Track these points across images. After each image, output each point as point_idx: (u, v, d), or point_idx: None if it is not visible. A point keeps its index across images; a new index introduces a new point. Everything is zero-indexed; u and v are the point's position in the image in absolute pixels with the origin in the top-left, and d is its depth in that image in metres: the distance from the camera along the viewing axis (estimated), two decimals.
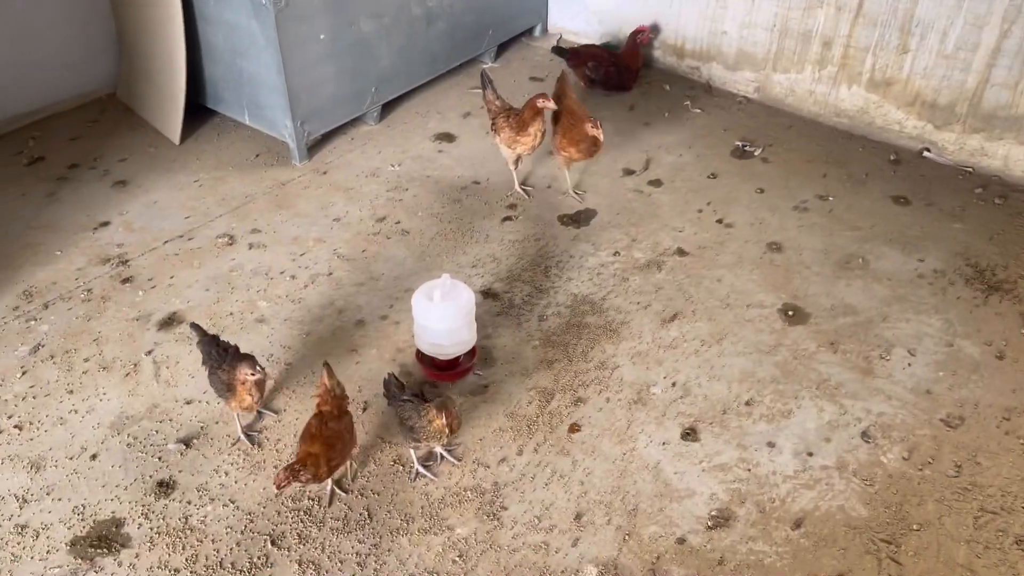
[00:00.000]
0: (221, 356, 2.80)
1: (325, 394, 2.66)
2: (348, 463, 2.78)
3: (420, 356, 3.19)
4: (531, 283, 3.63)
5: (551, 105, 3.79)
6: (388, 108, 4.80)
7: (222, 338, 2.92)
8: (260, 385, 2.76)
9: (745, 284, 3.62)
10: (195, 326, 2.95)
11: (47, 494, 2.76)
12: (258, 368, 2.68)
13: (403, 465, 2.85)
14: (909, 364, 3.22)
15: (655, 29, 5.14)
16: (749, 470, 2.84)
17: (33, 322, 3.42)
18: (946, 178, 4.27)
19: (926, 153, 4.43)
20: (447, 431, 2.65)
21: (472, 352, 3.19)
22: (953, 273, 3.65)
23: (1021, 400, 3.06)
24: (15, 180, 4.24)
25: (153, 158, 4.42)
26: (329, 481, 2.72)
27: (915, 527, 2.65)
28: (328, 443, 2.55)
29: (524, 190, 4.18)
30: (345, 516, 2.69)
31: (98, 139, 4.56)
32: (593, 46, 5.09)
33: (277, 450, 2.90)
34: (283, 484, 2.43)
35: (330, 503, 2.72)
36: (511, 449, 2.91)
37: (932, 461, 2.86)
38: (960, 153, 4.33)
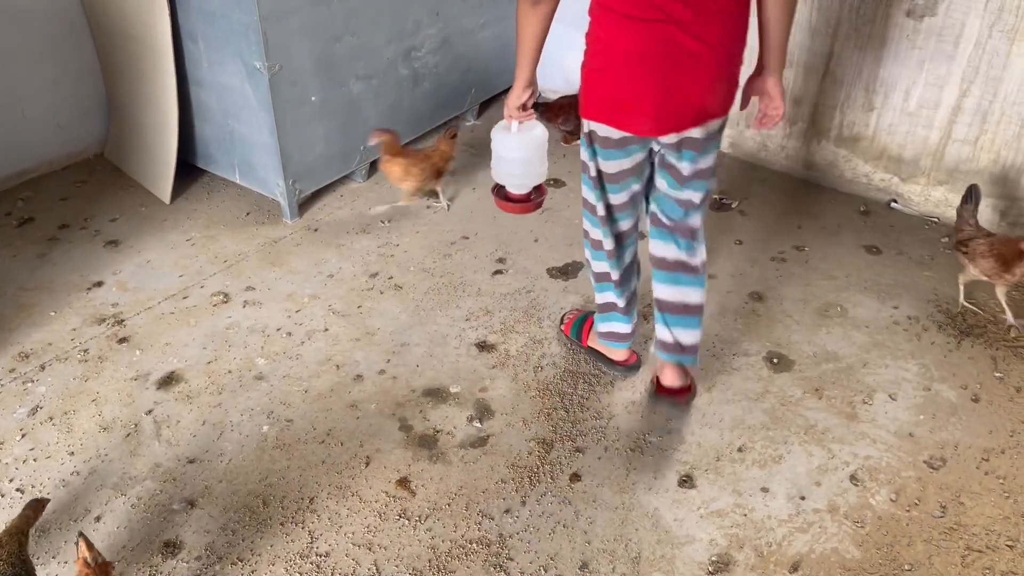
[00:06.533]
0: None
1: (83, 568, 2.33)
2: None
3: (495, 190, 3.34)
4: (525, 334, 3.73)
5: None
6: (376, 165, 4.91)
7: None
8: None
9: (730, 333, 3.75)
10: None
11: (53, 558, 2.75)
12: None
13: (407, 517, 2.90)
14: (891, 408, 3.36)
15: None
16: (745, 515, 2.93)
17: (30, 384, 3.42)
18: (914, 228, 4.48)
19: (893, 204, 4.65)
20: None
21: (541, 189, 3.31)
22: (926, 319, 3.82)
23: (997, 441, 3.21)
24: (6, 242, 4.25)
25: (144, 218, 4.48)
26: None
27: (907, 567, 2.76)
28: None
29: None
30: (353, 571, 2.73)
31: (88, 199, 4.61)
32: (565, 98, 5.23)
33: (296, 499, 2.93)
34: None
35: None
36: (514, 500, 2.97)
37: (918, 502, 2.98)
38: (925, 204, 4.56)
